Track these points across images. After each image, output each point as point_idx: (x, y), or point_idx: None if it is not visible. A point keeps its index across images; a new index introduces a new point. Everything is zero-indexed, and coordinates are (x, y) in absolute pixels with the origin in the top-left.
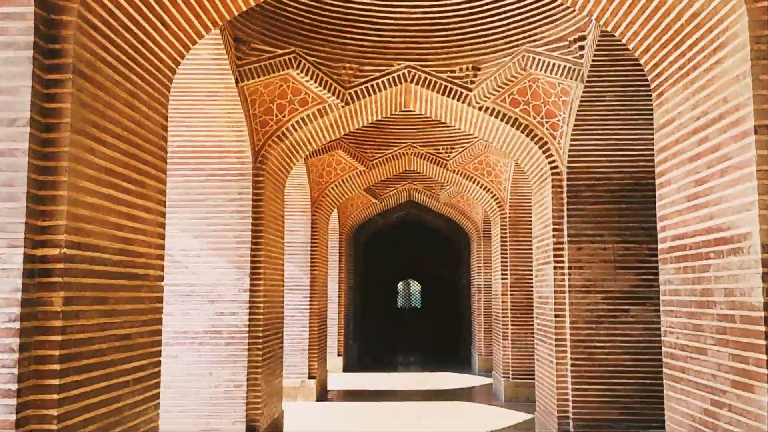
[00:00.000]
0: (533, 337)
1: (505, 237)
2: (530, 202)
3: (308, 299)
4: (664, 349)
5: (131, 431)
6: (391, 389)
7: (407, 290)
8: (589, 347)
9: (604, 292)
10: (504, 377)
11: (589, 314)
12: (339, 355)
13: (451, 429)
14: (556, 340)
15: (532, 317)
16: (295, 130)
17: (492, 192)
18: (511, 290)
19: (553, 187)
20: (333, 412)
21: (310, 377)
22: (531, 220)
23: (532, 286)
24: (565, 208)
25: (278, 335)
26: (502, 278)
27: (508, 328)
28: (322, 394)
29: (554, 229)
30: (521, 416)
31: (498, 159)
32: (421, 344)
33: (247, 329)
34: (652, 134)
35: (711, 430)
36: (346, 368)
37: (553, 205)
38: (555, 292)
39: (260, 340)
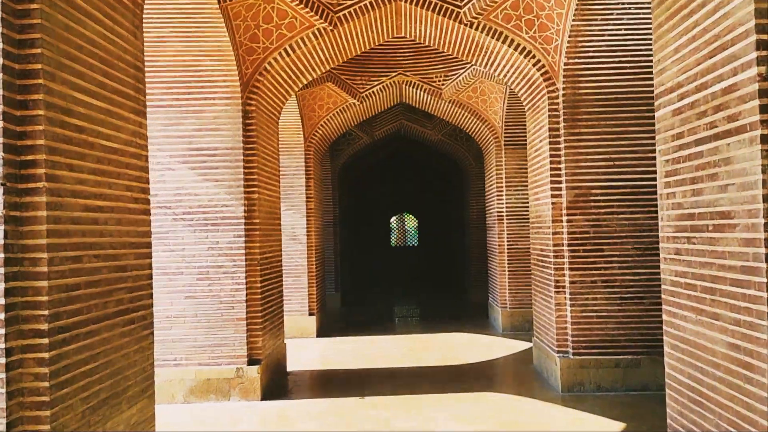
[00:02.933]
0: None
1: (557, 129)
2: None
3: (243, 240)
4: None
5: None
6: (378, 368)
7: (402, 226)
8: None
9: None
10: (562, 353)
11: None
12: (311, 314)
13: None
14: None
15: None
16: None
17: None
18: (569, 213)
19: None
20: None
21: (252, 362)
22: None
23: (597, 208)
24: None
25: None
26: (552, 197)
27: (564, 271)
28: (273, 386)
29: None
30: None
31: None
32: (418, 290)
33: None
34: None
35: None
36: (322, 331)
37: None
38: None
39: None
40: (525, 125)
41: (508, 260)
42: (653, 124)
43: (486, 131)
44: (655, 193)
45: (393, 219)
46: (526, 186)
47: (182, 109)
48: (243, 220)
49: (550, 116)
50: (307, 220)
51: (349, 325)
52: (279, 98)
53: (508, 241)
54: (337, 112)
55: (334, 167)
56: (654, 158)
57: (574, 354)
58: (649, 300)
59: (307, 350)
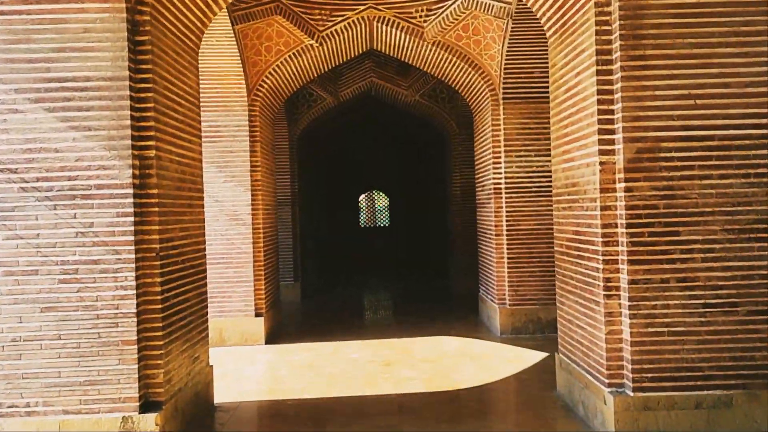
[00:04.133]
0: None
1: (608, 53)
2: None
3: (131, 220)
4: None
5: None
6: (343, 397)
7: (372, 205)
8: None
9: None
10: (615, 388)
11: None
12: (259, 315)
13: None
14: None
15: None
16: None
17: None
18: (628, 179)
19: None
20: None
21: (147, 406)
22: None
23: (670, 170)
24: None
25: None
26: (601, 155)
27: (619, 266)
28: None
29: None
30: None
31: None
32: (392, 278)
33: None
34: None
35: None
36: (273, 336)
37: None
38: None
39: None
40: (530, 73)
41: (508, 245)
42: (758, 43)
43: (479, 83)
44: (759, 147)
45: (362, 197)
46: (531, 150)
47: (33, 18)
48: (131, 191)
49: (597, 34)
50: (253, 196)
51: (309, 325)
52: (195, 10)
53: (507, 221)
54: (290, 56)
55: (292, 135)
56: (760, 94)
57: (635, 389)
58: (745, 308)
59: (251, 365)
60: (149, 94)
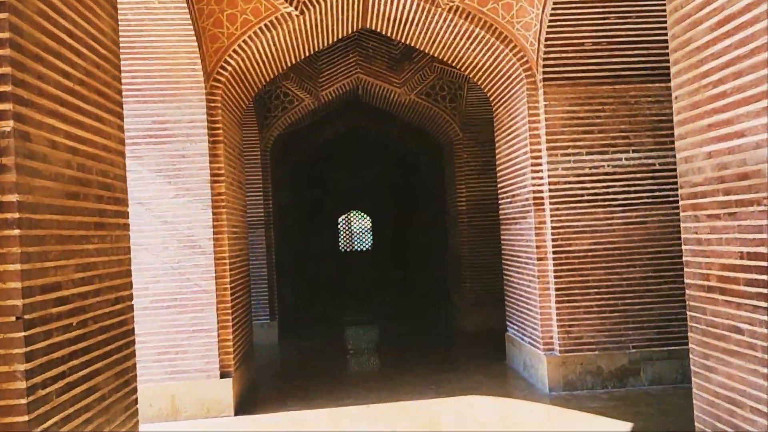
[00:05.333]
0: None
1: None
2: None
3: None
4: None
5: None
6: None
7: (349, 227)
8: None
9: None
10: None
11: None
12: (225, 376)
13: None
14: None
15: None
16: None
17: None
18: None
19: None
20: None
21: None
22: None
23: None
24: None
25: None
26: None
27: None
28: None
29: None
30: None
31: None
32: (384, 311)
33: None
34: None
35: None
36: (244, 404)
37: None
38: None
39: None
40: (579, 45)
41: (555, 272)
42: None
43: (509, 60)
44: None
45: (341, 218)
46: (582, 147)
47: None
48: None
49: None
50: (215, 215)
51: (292, 382)
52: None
53: (554, 240)
54: (262, 29)
55: (265, 142)
56: None
57: None
58: None
59: None
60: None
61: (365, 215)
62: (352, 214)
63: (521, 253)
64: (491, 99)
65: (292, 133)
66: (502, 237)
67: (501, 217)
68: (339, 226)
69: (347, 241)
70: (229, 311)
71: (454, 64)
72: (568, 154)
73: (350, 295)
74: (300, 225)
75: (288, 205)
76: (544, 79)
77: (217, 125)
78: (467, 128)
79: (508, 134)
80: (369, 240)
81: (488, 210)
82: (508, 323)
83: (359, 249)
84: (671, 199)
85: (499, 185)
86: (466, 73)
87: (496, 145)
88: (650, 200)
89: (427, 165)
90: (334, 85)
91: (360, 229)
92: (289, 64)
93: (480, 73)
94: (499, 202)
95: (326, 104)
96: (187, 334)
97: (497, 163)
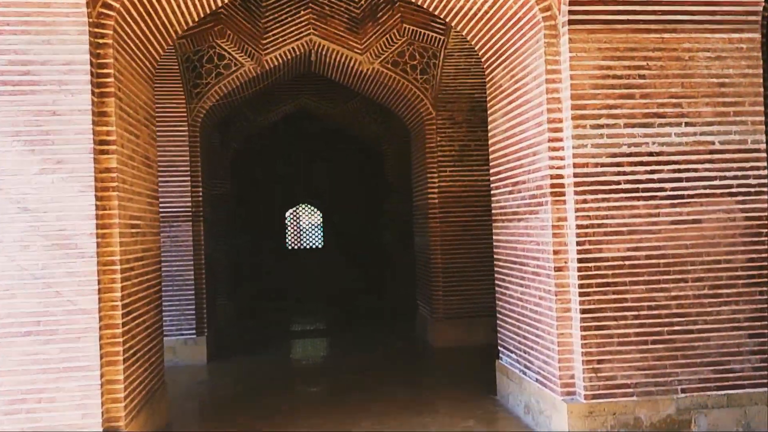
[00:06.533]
0: None
1: None
2: None
3: None
4: None
5: None
6: None
7: (297, 222)
8: None
9: None
10: None
11: None
12: None
13: None
14: None
15: None
16: None
17: None
18: None
19: None
20: None
21: None
22: None
23: None
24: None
25: None
26: None
27: None
28: None
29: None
30: None
31: None
32: (337, 319)
33: None
34: None
35: None
36: None
37: None
38: None
39: None
40: None
41: (581, 287)
42: None
43: None
44: None
45: (289, 213)
46: (620, 117)
47: None
48: None
49: None
50: (101, 200)
51: (220, 422)
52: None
53: (579, 243)
54: None
55: (195, 116)
56: None
57: None
58: None
59: None
60: None
61: (315, 210)
62: (300, 208)
63: (528, 260)
64: (485, 57)
65: (233, 111)
66: (496, 238)
67: (494, 211)
68: (286, 221)
69: (295, 238)
70: (119, 339)
71: (432, 8)
72: (600, 125)
73: (298, 301)
74: (239, 219)
75: (224, 194)
76: (570, 22)
77: (107, 70)
78: (442, 105)
79: (511, 102)
80: (319, 237)
81: (466, 204)
82: (501, 349)
83: (308, 246)
84: (735, 190)
85: (492, 171)
86: (449, 20)
87: (490, 119)
88: (708, 191)
89: (391, 151)
90: (282, 48)
91: (310, 225)
92: (220, 2)
93: (469, 20)
94: (492, 192)
95: (271, 71)
96: (55, 373)
97: (490, 142)
